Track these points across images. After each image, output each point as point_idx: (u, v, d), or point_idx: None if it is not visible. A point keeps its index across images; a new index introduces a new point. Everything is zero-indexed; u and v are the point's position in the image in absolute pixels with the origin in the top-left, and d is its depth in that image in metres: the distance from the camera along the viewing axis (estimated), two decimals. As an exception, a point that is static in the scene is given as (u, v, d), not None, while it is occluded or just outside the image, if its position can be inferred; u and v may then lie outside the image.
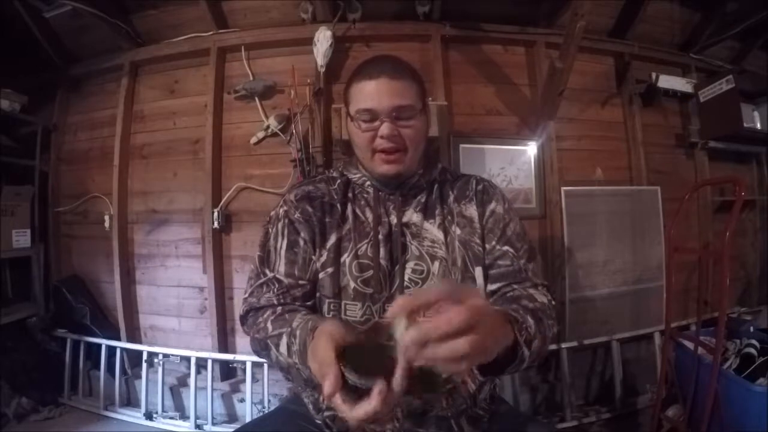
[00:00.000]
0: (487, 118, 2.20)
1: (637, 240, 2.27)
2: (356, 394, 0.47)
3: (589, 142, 2.30)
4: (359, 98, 0.80)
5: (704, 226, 2.43)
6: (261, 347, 0.75)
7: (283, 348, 0.69)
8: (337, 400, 0.48)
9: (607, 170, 2.29)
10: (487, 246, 0.85)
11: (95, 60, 2.43)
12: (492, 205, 0.88)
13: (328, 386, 0.48)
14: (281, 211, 0.87)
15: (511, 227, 0.86)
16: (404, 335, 0.44)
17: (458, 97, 2.17)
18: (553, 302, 0.82)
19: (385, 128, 0.78)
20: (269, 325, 0.74)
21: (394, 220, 0.85)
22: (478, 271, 0.83)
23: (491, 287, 0.83)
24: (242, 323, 0.84)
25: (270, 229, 0.87)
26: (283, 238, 0.84)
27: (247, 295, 0.84)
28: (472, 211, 0.87)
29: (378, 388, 0.46)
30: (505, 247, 0.84)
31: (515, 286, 0.81)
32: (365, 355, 0.49)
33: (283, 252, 0.83)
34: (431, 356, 0.44)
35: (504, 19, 2.18)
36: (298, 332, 0.66)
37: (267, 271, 0.83)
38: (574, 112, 2.28)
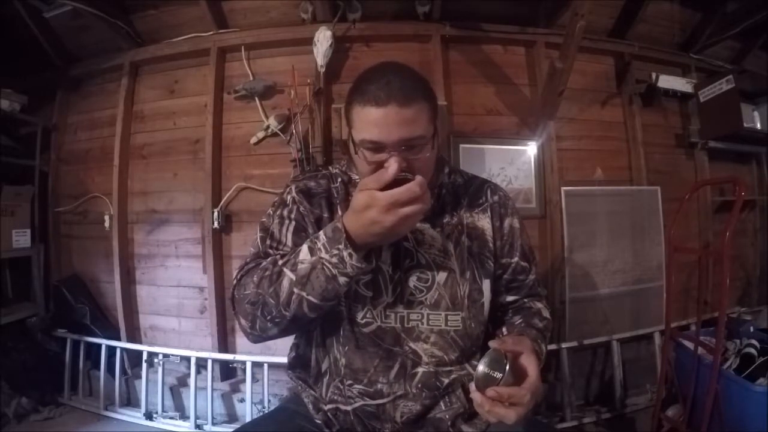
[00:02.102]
0: (487, 118, 2.20)
1: (637, 240, 2.26)
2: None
3: (589, 142, 2.30)
4: (364, 126, 0.71)
5: (704, 226, 2.43)
6: (269, 283, 0.69)
7: (303, 255, 0.68)
8: (382, 194, 0.61)
9: (607, 170, 2.29)
10: (505, 260, 0.87)
11: (95, 60, 2.43)
12: (509, 220, 0.88)
13: (393, 165, 0.63)
14: (288, 197, 0.85)
15: (525, 241, 0.90)
16: (484, 399, 0.61)
17: (458, 97, 2.17)
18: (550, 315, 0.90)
19: (392, 162, 0.67)
20: (278, 258, 0.72)
21: None
22: (486, 284, 0.83)
23: (509, 298, 0.90)
24: (234, 288, 0.77)
25: (272, 212, 0.85)
26: (290, 222, 0.82)
27: (243, 264, 0.80)
28: (484, 222, 0.86)
29: (419, 177, 0.62)
30: (524, 263, 0.88)
31: (525, 301, 0.90)
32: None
33: (290, 235, 0.81)
34: (489, 409, 0.61)
35: (504, 19, 2.18)
36: (321, 232, 0.68)
37: (270, 251, 0.80)
38: (574, 112, 2.28)
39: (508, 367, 0.60)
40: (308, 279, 0.67)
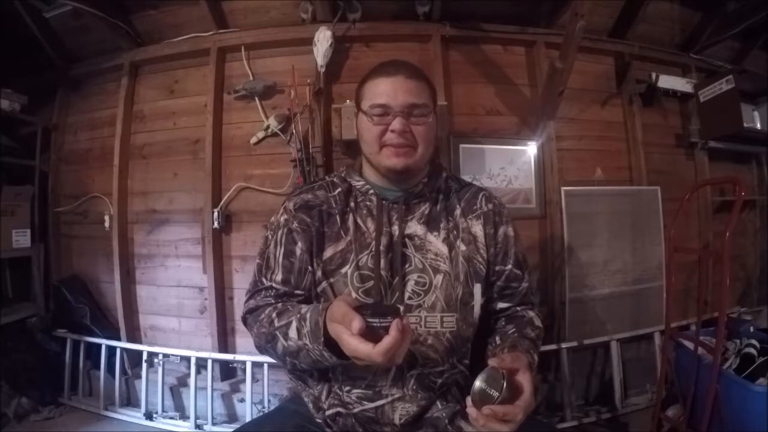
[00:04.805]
0: (487, 118, 2.20)
1: (637, 240, 2.26)
2: (373, 337, 0.57)
3: (589, 142, 2.30)
4: (373, 94, 0.81)
5: (704, 226, 2.43)
6: (267, 340, 0.76)
7: (292, 333, 0.71)
8: (359, 344, 0.56)
9: (607, 170, 2.29)
10: (498, 267, 0.89)
11: (95, 60, 2.42)
12: (504, 228, 0.90)
13: (356, 324, 0.56)
14: (282, 219, 0.87)
15: (519, 249, 0.91)
16: (480, 415, 0.62)
17: (458, 97, 2.17)
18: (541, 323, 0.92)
19: (397, 123, 0.78)
20: (275, 317, 0.76)
21: (396, 230, 0.84)
22: (477, 288, 0.85)
23: (502, 305, 0.91)
24: (244, 324, 0.86)
25: (269, 237, 0.87)
26: (281, 247, 0.85)
27: (246, 299, 0.87)
28: (477, 228, 0.88)
29: (395, 323, 0.56)
30: (517, 270, 0.90)
31: (518, 309, 0.91)
32: (375, 308, 0.61)
33: (280, 260, 0.84)
34: (483, 423, 0.62)
35: (504, 19, 2.18)
36: (308, 315, 0.69)
37: (264, 280, 0.84)
38: (574, 112, 2.28)
39: (505, 387, 0.62)
40: (297, 355, 0.72)
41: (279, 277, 0.83)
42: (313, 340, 0.67)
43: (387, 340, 0.56)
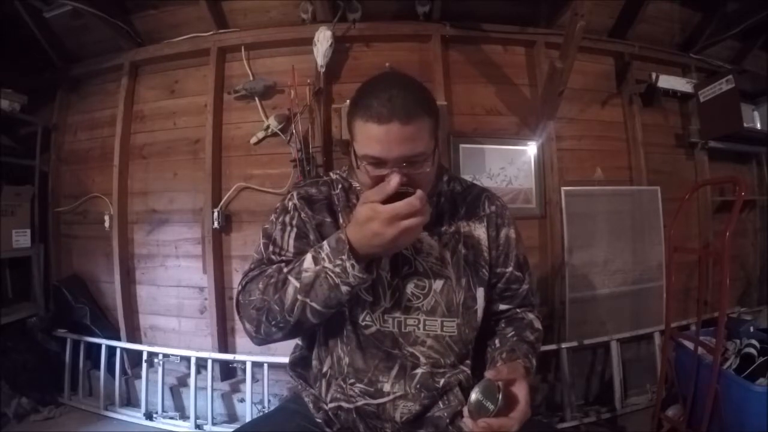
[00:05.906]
0: (487, 118, 2.20)
1: (637, 240, 2.27)
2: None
3: (589, 142, 2.30)
4: (366, 141, 0.71)
5: (704, 226, 2.43)
6: (275, 290, 0.72)
7: (307, 264, 0.70)
8: (384, 207, 0.63)
9: (607, 170, 2.29)
10: (499, 269, 0.88)
11: (95, 60, 2.43)
12: (506, 230, 0.89)
13: (394, 179, 0.65)
14: (290, 204, 0.86)
15: (520, 251, 0.90)
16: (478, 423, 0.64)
17: (458, 97, 2.17)
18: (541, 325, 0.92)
19: (394, 177, 0.68)
20: (284, 267, 0.74)
21: None
22: (480, 292, 0.84)
23: (502, 307, 0.90)
24: (241, 293, 0.79)
25: (277, 219, 0.86)
26: (292, 229, 0.83)
27: (247, 271, 0.81)
28: (480, 232, 0.87)
29: (419, 191, 0.64)
30: (518, 272, 0.89)
31: (518, 311, 0.91)
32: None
33: (291, 241, 0.82)
34: None
35: (504, 19, 2.18)
36: (324, 242, 0.70)
37: (274, 257, 0.81)
38: (574, 112, 2.28)
39: (500, 399, 0.64)
40: (312, 287, 0.69)
41: (290, 254, 0.80)
42: (334, 257, 0.68)
43: (411, 199, 0.63)
